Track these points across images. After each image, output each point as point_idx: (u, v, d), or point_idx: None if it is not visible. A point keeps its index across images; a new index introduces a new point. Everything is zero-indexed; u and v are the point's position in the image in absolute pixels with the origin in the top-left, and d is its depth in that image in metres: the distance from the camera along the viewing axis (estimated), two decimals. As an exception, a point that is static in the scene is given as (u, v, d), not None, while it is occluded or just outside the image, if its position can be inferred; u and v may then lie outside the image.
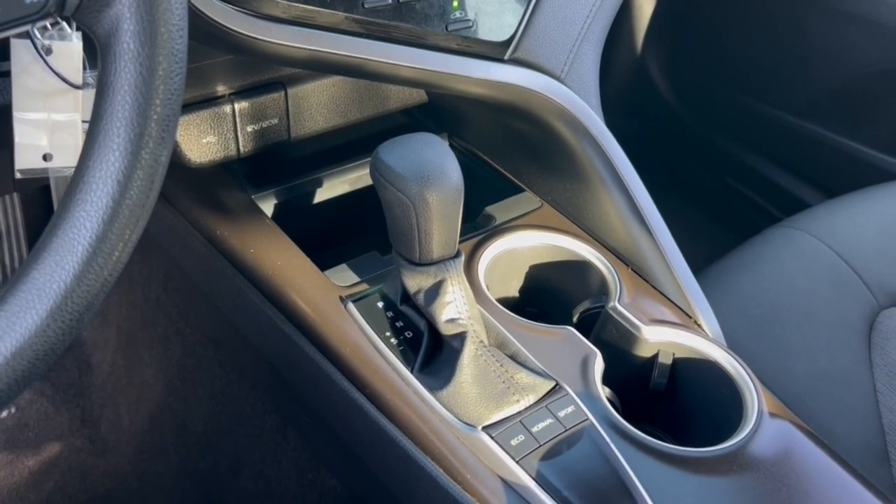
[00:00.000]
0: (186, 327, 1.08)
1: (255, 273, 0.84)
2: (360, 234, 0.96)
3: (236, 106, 0.90)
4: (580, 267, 0.89)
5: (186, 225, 0.93)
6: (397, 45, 0.77)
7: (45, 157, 0.64)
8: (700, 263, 1.01)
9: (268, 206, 0.94)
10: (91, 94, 0.50)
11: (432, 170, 0.68)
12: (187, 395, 1.10)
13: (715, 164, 1.71)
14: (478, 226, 0.91)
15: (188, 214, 0.93)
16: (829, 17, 1.44)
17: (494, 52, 0.82)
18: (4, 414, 1.29)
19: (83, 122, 0.64)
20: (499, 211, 0.94)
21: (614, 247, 0.90)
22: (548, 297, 0.89)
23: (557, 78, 0.86)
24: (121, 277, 1.19)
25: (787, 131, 1.55)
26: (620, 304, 0.82)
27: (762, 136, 1.61)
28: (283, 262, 0.84)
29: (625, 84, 1.74)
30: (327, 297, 0.80)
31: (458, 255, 0.74)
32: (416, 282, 0.73)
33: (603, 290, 0.86)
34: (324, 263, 0.84)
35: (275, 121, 0.93)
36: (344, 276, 0.82)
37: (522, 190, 0.98)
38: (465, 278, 0.74)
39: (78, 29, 0.62)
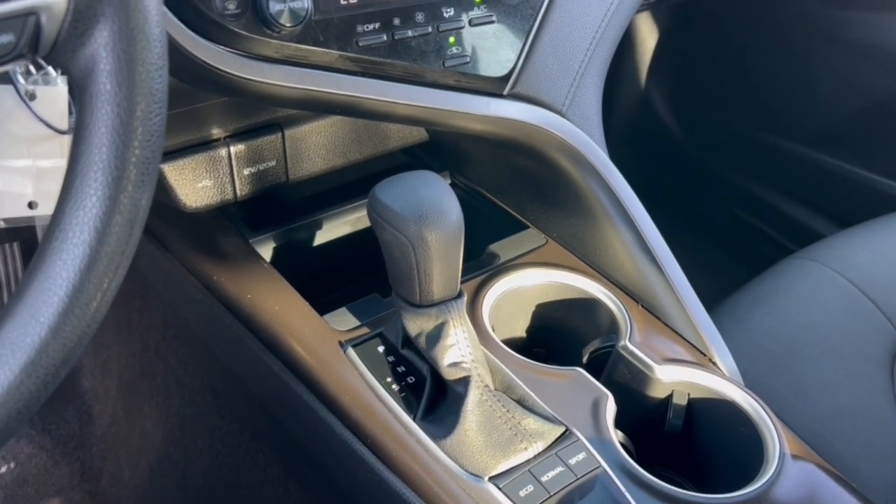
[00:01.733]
0: (186, 376, 1.05)
1: (252, 319, 0.82)
2: (361, 276, 0.94)
3: (232, 149, 0.88)
4: (588, 305, 0.86)
5: (183, 271, 0.90)
6: (393, 83, 0.76)
7: (31, 205, 0.63)
8: (712, 298, 0.98)
9: (266, 250, 0.92)
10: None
11: (430, 208, 0.66)
12: (188, 446, 1.07)
13: (724, 196, 1.68)
14: (481, 264, 0.89)
15: (184, 260, 0.91)
16: (835, 45, 1.42)
17: (493, 87, 0.81)
18: (3, 469, 1.26)
19: (69, 167, 0.62)
20: (503, 248, 0.91)
21: (623, 283, 0.87)
22: (556, 337, 0.87)
23: (559, 112, 0.84)
24: (120, 325, 1.17)
25: (796, 161, 1.53)
26: (631, 343, 0.80)
27: (771, 166, 1.59)
28: (280, 307, 0.81)
29: (629, 117, 1.73)
30: (326, 343, 0.77)
31: (460, 295, 0.71)
32: (417, 324, 0.71)
33: (613, 329, 0.83)
34: (323, 307, 0.81)
35: (272, 163, 0.92)
36: (343, 319, 0.80)
37: (527, 227, 0.96)
38: (468, 319, 0.71)
39: (63, 73, 0.60)
